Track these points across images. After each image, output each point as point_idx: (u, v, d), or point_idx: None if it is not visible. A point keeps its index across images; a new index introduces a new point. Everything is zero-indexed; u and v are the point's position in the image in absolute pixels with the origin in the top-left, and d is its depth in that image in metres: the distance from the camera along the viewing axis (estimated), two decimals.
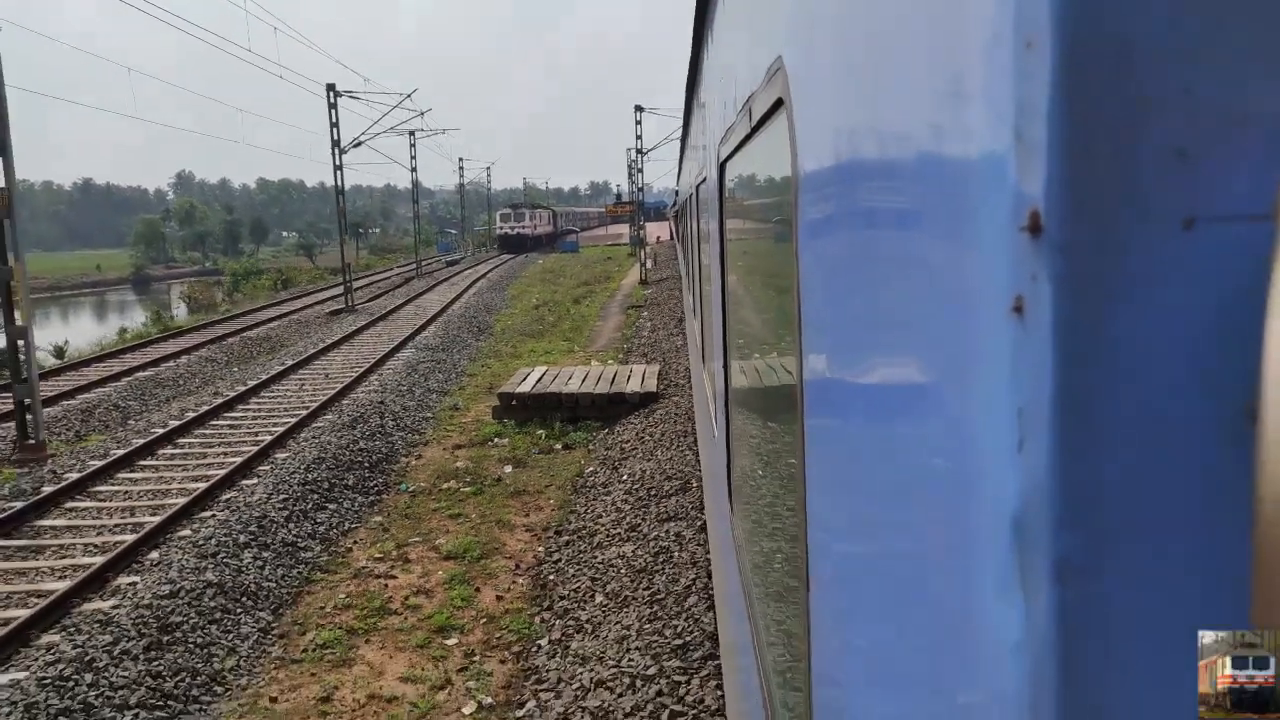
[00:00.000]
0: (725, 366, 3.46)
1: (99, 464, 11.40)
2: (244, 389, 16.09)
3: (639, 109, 38.82)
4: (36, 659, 6.63)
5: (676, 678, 6.09)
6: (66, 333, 33.53)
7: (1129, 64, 0.47)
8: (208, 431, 13.56)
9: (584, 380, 15.33)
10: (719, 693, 5.73)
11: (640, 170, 43.90)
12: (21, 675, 6.35)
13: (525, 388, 14.80)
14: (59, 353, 24.80)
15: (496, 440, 13.59)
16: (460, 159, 72.63)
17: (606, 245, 68.16)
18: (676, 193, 23.95)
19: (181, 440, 13.00)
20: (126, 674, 6.46)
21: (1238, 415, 0.47)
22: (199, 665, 6.86)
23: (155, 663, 6.69)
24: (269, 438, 12.62)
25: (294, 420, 13.58)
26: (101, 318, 57.28)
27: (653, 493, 10.05)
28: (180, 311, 41.20)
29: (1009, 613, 0.52)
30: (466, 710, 6.46)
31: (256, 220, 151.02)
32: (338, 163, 31.34)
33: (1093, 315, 0.48)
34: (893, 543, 0.83)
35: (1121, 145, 0.47)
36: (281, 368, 18.49)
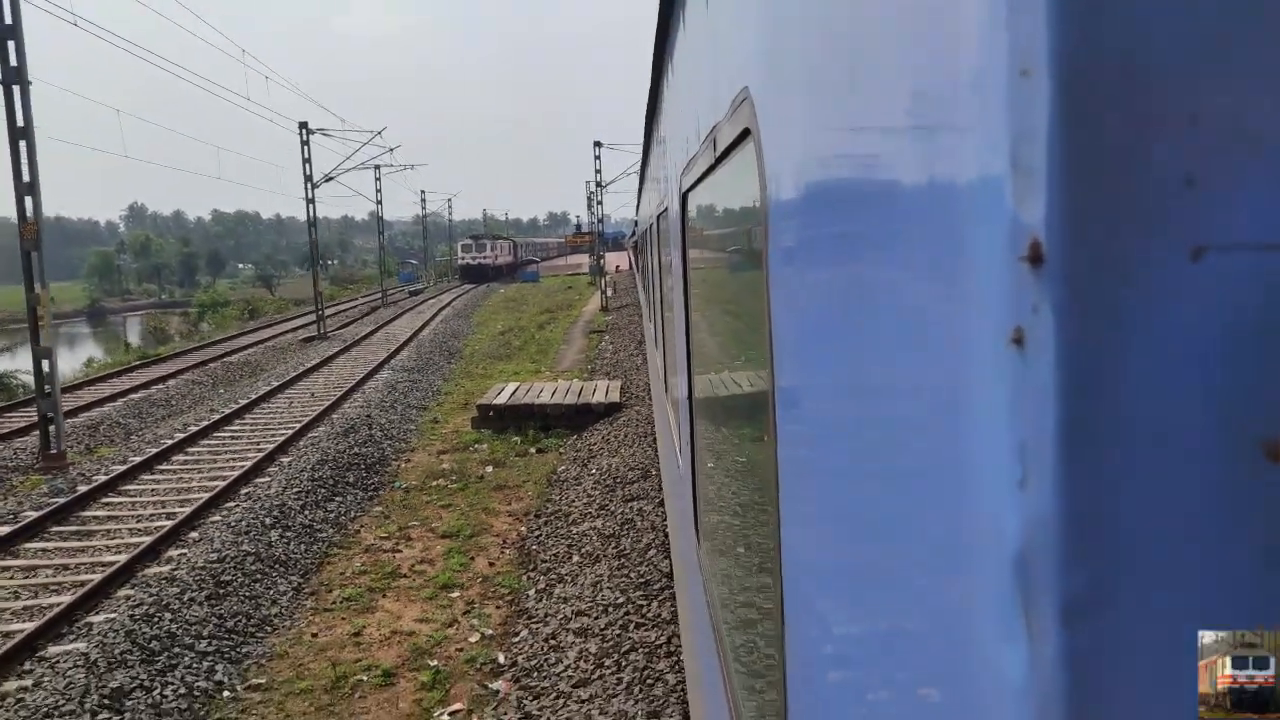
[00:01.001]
0: (690, 398, 3.33)
1: (122, 468, 12.79)
2: (238, 406, 17.49)
3: (598, 144, 40.76)
4: (120, 605, 8.12)
5: (640, 603, 7.79)
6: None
7: (1131, 90, 0.46)
8: (213, 441, 14.98)
9: (554, 393, 17.03)
10: (672, 608, 7.42)
11: (600, 202, 45.83)
12: (113, 615, 7.85)
13: (501, 400, 16.45)
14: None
15: (477, 446, 15.19)
16: (422, 191, 74.20)
17: (567, 275, 69.86)
18: (636, 223, 24.05)
19: (192, 449, 14.40)
20: (197, 614, 7.99)
21: (1252, 449, 0.46)
22: (250, 611, 8.40)
23: (217, 607, 8.23)
24: (272, 445, 14.09)
25: (292, 431, 15.04)
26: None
27: (618, 480, 11.77)
28: (138, 343, 41.87)
29: (1013, 656, 0.50)
30: (473, 639, 8.07)
31: (213, 252, 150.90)
32: (310, 196, 32.83)
33: (1097, 347, 0.47)
34: (886, 585, 0.79)
35: (1126, 173, 0.46)
36: (269, 388, 19.87)
